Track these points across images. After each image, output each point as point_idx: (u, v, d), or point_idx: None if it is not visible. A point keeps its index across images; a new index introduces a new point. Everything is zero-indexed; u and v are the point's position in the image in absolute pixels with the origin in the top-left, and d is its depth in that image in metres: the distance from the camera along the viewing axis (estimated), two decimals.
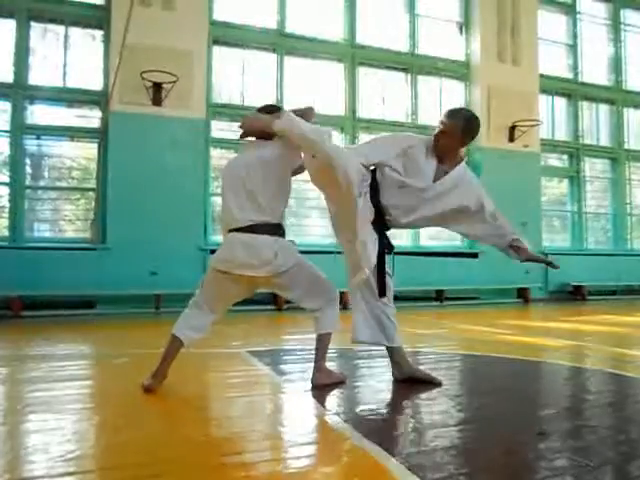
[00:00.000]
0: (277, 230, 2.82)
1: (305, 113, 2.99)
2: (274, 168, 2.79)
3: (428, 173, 2.84)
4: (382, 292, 2.90)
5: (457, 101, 9.66)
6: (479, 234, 3.01)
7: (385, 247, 2.90)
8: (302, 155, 2.89)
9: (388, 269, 2.96)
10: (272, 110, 2.97)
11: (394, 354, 3.00)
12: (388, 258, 2.97)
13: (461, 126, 2.80)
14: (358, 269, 2.77)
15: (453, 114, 2.85)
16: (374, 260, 2.79)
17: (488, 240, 3.03)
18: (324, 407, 2.55)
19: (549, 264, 3.17)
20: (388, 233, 2.97)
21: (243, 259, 2.74)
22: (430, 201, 2.84)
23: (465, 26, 9.72)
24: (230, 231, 2.83)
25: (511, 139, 9.44)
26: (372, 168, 2.87)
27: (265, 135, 2.88)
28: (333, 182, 2.72)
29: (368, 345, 3.09)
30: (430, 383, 2.92)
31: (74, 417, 2.35)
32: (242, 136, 2.98)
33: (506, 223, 3.01)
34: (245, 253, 2.74)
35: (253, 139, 2.97)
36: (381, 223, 2.87)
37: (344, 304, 6.97)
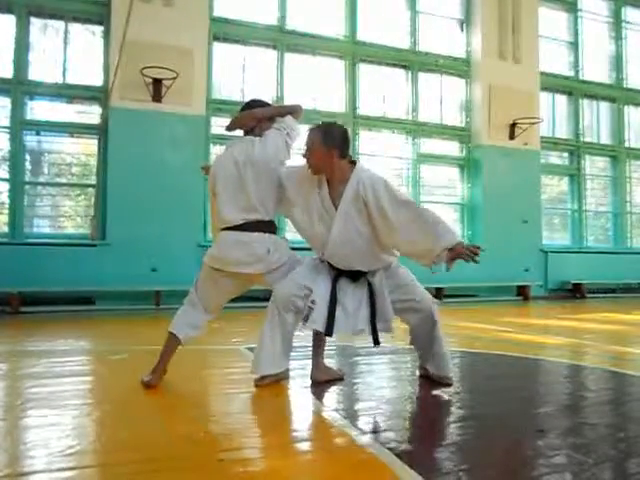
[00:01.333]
0: (269, 227, 2.82)
1: (293, 110, 3.00)
2: (263, 165, 2.79)
3: (324, 204, 2.71)
4: (328, 333, 2.75)
5: (458, 98, 9.66)
6: (408, 247, 2.68)
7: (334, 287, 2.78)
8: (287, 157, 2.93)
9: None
10: (262, 105, 2.99)
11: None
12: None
13: (320, 137, 2.64)
14: None
15: (311, 130, 2.72)
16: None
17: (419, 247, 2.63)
18: (323, 403, 2.55)
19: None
20: None
21: (236, 257, 2.75)
22: (340, 235, 2.67)
23: (466, 23, 9.69)
24: (223, 229, 2.83)
25: (511, 137, 9.43)
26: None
27: (253, 130, 2.89)
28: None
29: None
30: (416, 384, 2.90)
31: (73, 413, 2.35)
32: (228, 128, 2.98)
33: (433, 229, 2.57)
34: (238, 251, 2.75)
35: (241, 134, 2.97)
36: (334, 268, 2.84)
37: None
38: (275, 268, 2.80)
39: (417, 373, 3.08)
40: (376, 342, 2.81)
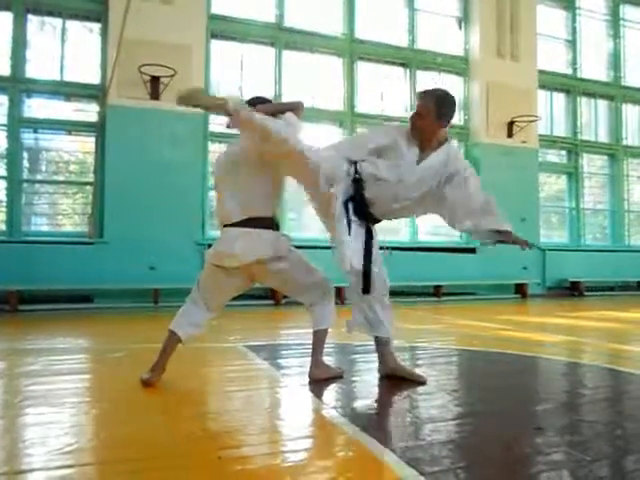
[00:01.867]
0: (271, 223, 2.83)
1: (294, 107, 2.99)
2: (260, 162, 2.78)
3: (410, 161, 2.78)
4: (366, 289, 2.80)
5: (456, 96, 9.64)
6: (461, 220, 2.85)
7: (369, 241, 2.82)
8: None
9: (375, 264, 2.85)
10: (263, 101, 2.97)
11: (381, 348, 2.98)
12: (380, 253, 2.92)
13: (433, 105, 2.72)
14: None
15: (425, 94, 2.81)
16: (354, 261, 2.72)
17: (473, 220, 2.86)
18: (321, 401, 2.55)
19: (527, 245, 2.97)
20: (384, 227, 2.96)
21: (238, 252, 2.75)
22: (412, 188, 2.78)
23: (464, 21, 9.69)
24: (225, 226, 2.84)
25: (509, 135, 9.44)
26: (354, 162, 2.81)
27: None
28: (309, 179, 2.74)
29: (366, 335, 3.04)
30: (414, 382, 2.87)
31: (72, 411, 2.35)
32: (229, 126, 2.97)
33: (494, 211, 2.88)
34: (240, 246, 2.75)
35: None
36: (367, 216, 2.83)
37: (341, 299, 7.03)
38: (276, 258, 2.79)
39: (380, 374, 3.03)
40: (366, 290, 2.82)
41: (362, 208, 2.79)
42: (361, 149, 2.82)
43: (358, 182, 2.77)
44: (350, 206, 2.76)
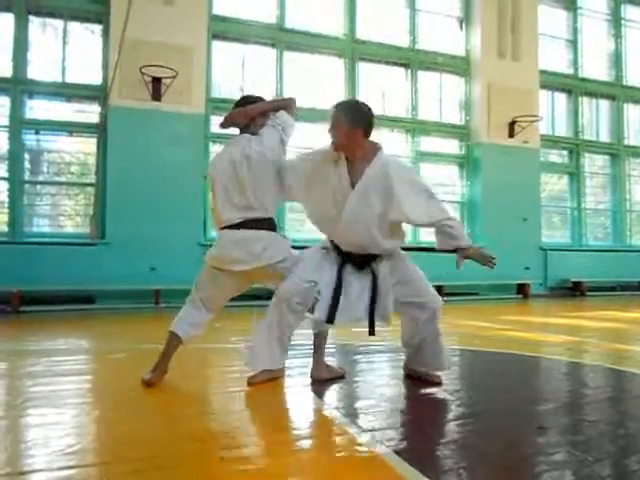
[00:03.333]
0: (268, 225, 2.82)
1: (287, 104, 3.00)
2: (259, 163, 2.78)
3: (341, 182, 2.67)
4: (331, 319, 2.76)
5: (457, 96, 9.66)
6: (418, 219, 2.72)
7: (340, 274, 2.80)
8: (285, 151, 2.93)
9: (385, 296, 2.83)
10: (254, 101, 2.97)
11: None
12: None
13: (346, 114, 2.62)
14: None
15: (337, 105, 2.70)
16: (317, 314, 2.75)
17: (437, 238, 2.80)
18: (323, 401, 2.55)
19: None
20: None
21: (235, 255, 2.76)
22: (352, 213, 2.65)
23: (465, 21, 9.69)
24: (222, 228, 2.84)
25: (511, 135, 9.43)
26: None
27: (249, 127, 2.88)
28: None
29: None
30: (428, 382, 2.88)
31: (74, 411, 2.35)
32: (222, 126, 2.97)
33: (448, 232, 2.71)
34: (236, 249, 2.75)
35: (237, 132, 2.97)
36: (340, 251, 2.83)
37: None
38: (272, 264, 2.79)
39: (402, 372, 3.06)
40: (371, 332, 2.81)
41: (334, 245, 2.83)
42: (297, 183, 2.83)
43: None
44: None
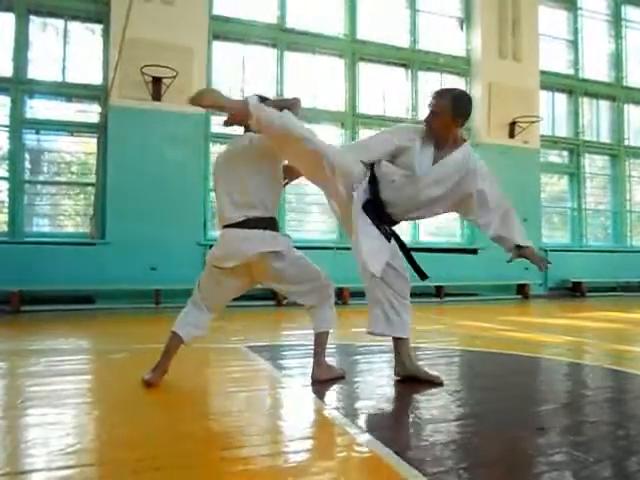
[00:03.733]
0: (270, 224, 2.82)
1: (291, 104, 2.99)
2: (261, 161, 2.78)
3: (425, 162, 2.75)
4: (423, 275, 2.95)
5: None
6: (486, 224, 2.85)
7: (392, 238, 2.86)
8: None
9: (395, 261, 2.92)
10: (261, 100, 2.96)
11: (399, 349, 2.96)
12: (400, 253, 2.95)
13: (450, 103, 2.69)
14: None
15: (441, 93, 2.77)
16: (374, 265, 2.71)
17: (496, 233, 2.85)
18: (324, 402, 2.55)
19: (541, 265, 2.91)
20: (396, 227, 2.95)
21: (237, 253, 2.75)
22: (428, 189, 2.75)
23: (466, 22, 9.69)
24: (224, 227, 2.84)
25: (511, 135, 9.43)
26: (371, 164, 2.81)
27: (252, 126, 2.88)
28: (326, 178, 2.73)
29: (382, 337, 3.03)
30: (428, 382, 2.87)
31: (74, 411, 2.35)
32: (226, 124, 2.96)
33: (514, 224, 2.84)
34: (239, 247, 2.75)
35: (241, 131, 2.96)
36: (385, 217, 2.82)
37: (343, 299, 7.03)
38: (274, 255, 2.77)
39: (395, 376, 3.01)
40: (424, 275, 2.97)
41: (379, 210, 2.78)
42: (375, 151, 2.81)
43: (374, 184, 2.76)
44: (368, 208, 2.75)
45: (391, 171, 2.77)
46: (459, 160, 2.77)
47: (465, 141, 2.86)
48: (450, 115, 2.69)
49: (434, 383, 2.85)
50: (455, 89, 2.86)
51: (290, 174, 3.03)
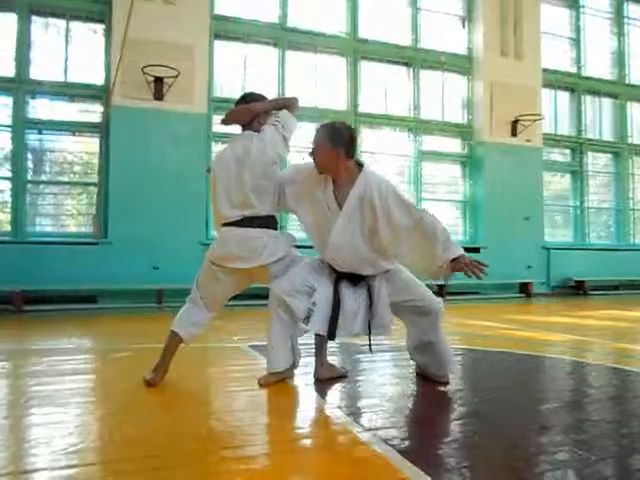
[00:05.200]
0: (269, 222, 2.82)
1: (290, 104, 2.99)
2: (261, 161, 2.78)
3: (329, 204, 2.69)
4: (331, 336, 2.76)
5: (459, 95, 9.64)
6: (407, 255, 2.67)
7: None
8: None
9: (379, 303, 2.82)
10: (258, 98, 2.97)
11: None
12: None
13: (327, 136, 2.63)
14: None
15: (318, 129, 2.71)
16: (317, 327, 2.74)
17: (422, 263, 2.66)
18: (326, 401, 2.55)
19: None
20: None
21: (234, 253, 2.76)
22: (345, 239, 2.66)
23: (468, 20, 9.67)
24: (223, 226, 2.84)
25: (513, 133, 9.41)
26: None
27: (251, 125, 2.88)
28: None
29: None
30: (434, 382, 2.87)
31: (76, 411, 2.36)
32: (224, 122, 2.97)
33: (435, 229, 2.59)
34: (237, 247, 2.76)
35: (239, 130, 2.96)
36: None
37: None
38: (271, 262, 2.79)
39: (414, 371, 3.07)
40: (370, 348, 2.84)
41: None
42: (290, 199, 2.84)
43: None
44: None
45: (304, 223, 2.88)
46: (360, 195, 2.65)
47: (361, 167, 2.72)
48: (330, 146, 2.62)
49: (440, 382, 2.85)
50: (330, 121, 2.77)
51: None
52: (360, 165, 2.74)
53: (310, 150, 2.71)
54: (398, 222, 2.58)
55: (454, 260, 2.54)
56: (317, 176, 2.73)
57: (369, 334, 2.79)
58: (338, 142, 2.62)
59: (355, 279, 2.81)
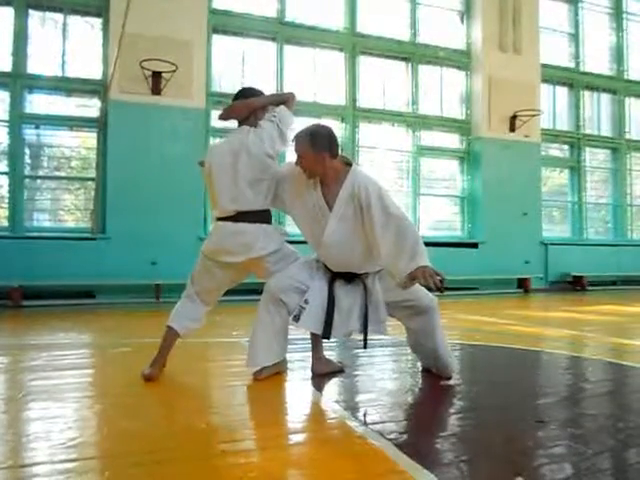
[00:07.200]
0: (263, 217, 2.83)
1: (286, 99, 3.00)
2: (257, 156, 2.78)
3: (319, 205, 2.70)
4: (326, 335, 2.77)
5: (458, 90, 9.63)
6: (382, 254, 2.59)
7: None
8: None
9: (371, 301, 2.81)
10: (255, 94, 2.97)
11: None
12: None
13: (307, 142, 2.64)
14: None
15: (297, 137, 2.70)
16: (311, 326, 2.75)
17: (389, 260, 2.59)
18: (323, 395, 2.56)
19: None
20: None
21: (228, 247, 2.78)
22: (337, 238, 2.67)
23: (466, 15, 9.64)
24: (217, 220, 2.85)
25: (512, 129, 9.40)
26: None
27: (248, 119, 2.88)
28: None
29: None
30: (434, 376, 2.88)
31: (75, 405, 2.36)
32: (221, 117, 2.97)
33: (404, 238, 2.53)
34: (230, 241, 2.77)
35: (235, 125, 2.96)
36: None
37: None
38: (263, 255, 2.79)
39: (419, 366, 3.08)
40: (365, 345, 2.83)
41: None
42: (287, 198, 2.88)
43: None
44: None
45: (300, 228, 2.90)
46: (349, 194, 2.65)
47: (349, 166, 2.73)
48: (312, 151, 2.62)
49: (443, 377, 2.85)
50: (310, 126, 2.74)
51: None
52: (348, 164, 2.75)
53: (295, 160, 2.72)
54: (376, 224, 2.56)
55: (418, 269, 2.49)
56: (305, 179, 2.74)
57: (365, 332, 2.79)
58: (320, 146, 2.63)
59: (350, 278, 2.81)
